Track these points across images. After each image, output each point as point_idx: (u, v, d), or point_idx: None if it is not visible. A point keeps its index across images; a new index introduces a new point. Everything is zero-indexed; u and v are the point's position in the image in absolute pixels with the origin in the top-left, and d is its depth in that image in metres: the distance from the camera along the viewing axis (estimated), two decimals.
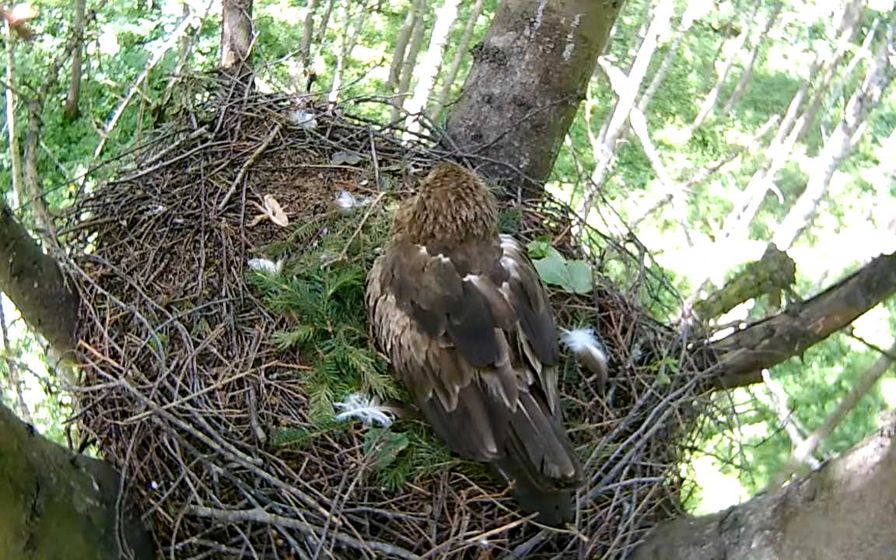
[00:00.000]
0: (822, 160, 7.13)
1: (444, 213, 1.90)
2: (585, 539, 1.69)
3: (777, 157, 11.88)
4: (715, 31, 18.91)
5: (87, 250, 2.35)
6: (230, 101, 2.71)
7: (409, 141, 2.90)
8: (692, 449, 2.22)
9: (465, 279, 1.83)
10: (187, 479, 1.71)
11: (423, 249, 1.90)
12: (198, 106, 2.76)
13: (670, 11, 9.51)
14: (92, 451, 2.00)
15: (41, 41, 12.35)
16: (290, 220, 2.32)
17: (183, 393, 1.82)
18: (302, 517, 1.63)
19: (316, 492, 1.68)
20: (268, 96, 2.84)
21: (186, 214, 2.29)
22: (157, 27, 13.30)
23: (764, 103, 17.48)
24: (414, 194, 2.05)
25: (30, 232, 2.09)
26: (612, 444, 1.91)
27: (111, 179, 2.50)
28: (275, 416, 1.82)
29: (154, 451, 1.78)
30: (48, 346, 2.24)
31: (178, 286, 2.11)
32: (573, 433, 1.94)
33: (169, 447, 1.74)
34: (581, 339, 2.11)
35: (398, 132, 2.96)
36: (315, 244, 2.23)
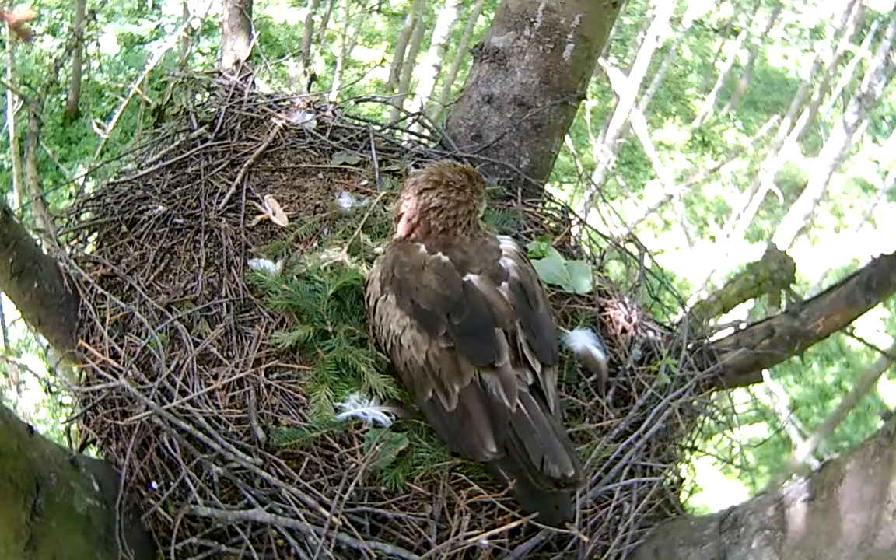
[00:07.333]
0: (821, 160, 7.12)
1: (411, 196, 1.95)
2: (585, 539, 1.69)
3: (777, 157, 11.88)
4: (715, 31, 18.91)
5: (87, 250, 2.35)
6: (230, 101, 2.71)
7: (409, 141, 2.90)
8: (692, 449, 2.22)
9: (465, 278, 1.83)
10: (187, 479, 1.71)
11: (423, 248, 1.91)
12: (198, 106, 2.76)
13: (670, 11, 9.50)
14: (92, 451, 2.00)
15: (41, 41, 12.34)
16: (290, 220, 2.31)
17: (183, 393, 1.81)
18: (302, 517, 1.63)
19: (316, 492, 1.68)
20: (268, 96, 2.84)
21: (186, 214, 2.29)
22: (157, 27, 13.30)
23: (764, 103, 17.48)
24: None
25: (30, 232, 2.09)
26: (612, 444, 1.91)
27: (111, 179, 2.50)
28: (275, 416, 1.82)
29: (154, 451, 1.78)
30: (48, 346, 2.24)
31: (178, 286, 2.11)
32: (573, 433, 1.94)
33: (169, 447, 1.74)
34: (581, 339, 2.11)
35: (398, 132, 2.96)
36: (315, 244, 2.23)
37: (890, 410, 1.35)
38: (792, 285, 2.50)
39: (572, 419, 1.99)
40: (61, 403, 2.48)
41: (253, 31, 3.11)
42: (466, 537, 1.64)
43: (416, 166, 2.61)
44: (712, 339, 2.42)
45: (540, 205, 2.72)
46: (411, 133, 2.94)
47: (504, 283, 1.85)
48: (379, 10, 15.61)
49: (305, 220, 2.29)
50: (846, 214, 15.38)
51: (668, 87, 16.84)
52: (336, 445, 1.76)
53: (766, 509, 1.47)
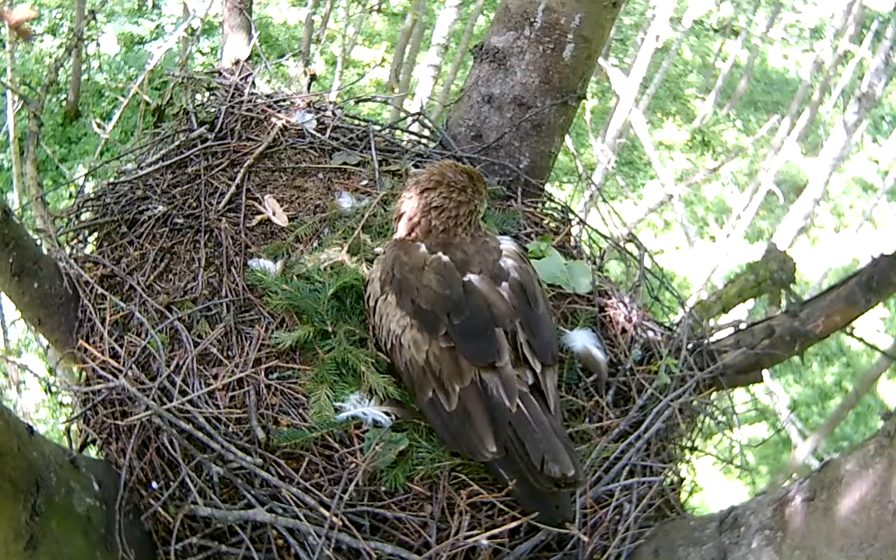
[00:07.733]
0: (821, 160, 7.12)
1: (412, 196, 1.95)
2: (585, 539, 1.69)
3: (777, 157, 11.88)
4: (715, 31, 18.91)
5: (87, 250, 2.35)
6: (230, 101, 2.71)
7: (409, 141, 2.90)
8: (692, 449, 2.22)
9: (466, 278, 1.83)
10: (187, 479, 1.71)
11: (423, 248, 1.91)
12: (198, 106, 2.76)
13: (670, 11, 9.50)
14: (92, 451, 2.00)
15: (41, 41, 12.35)
16: (290, 220, 2.31)
17: (183, 393, 1.81)
18: (302, 517, 1.63)
19: (316, 492, 1.68)
20: (268, 96, 2.84)
21: (186, 214, 2.29)
22: (157, 27, 13.30)
23: (764, 103, 17.48)
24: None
25: (30, 232, 2.09)
26: (612, 444, 1.91)
27: (111, 179, 2.50)
28: (275, 416, 1.82)
29: (154, 451, 1.78)
30: (48, 346, 2.24)
31: (178, 286, 2.11)
32: (573, 433, 1.94)
33: (169, 447, 1.74)
34: (581, 339, 2.11)
35: (398, 132, 2.96)
36: (315, 244, 2.23)
37: (890, 410, 1.35)
38: (792, 285, 2.50)
39: (572, 419, 1.99)
40: (61, 403, 2.48)
41: (253, 31, 3.11)
42: (466, 537, 1.64)
43: (416, 166, 2.61)
44: (712, 339, 2.42)
45: (540, 205, 2.72)
46: (411, 133, 2.94)
47: (504, 283, 1.85)
48: (379, 10, 15.61)
49: (305, 220, 2.29)
50: (846, 214, 15.39)
51: (668, 87, 16.85)
52: (336, 445, 1.76)
53: (766, 509, 1.47)
